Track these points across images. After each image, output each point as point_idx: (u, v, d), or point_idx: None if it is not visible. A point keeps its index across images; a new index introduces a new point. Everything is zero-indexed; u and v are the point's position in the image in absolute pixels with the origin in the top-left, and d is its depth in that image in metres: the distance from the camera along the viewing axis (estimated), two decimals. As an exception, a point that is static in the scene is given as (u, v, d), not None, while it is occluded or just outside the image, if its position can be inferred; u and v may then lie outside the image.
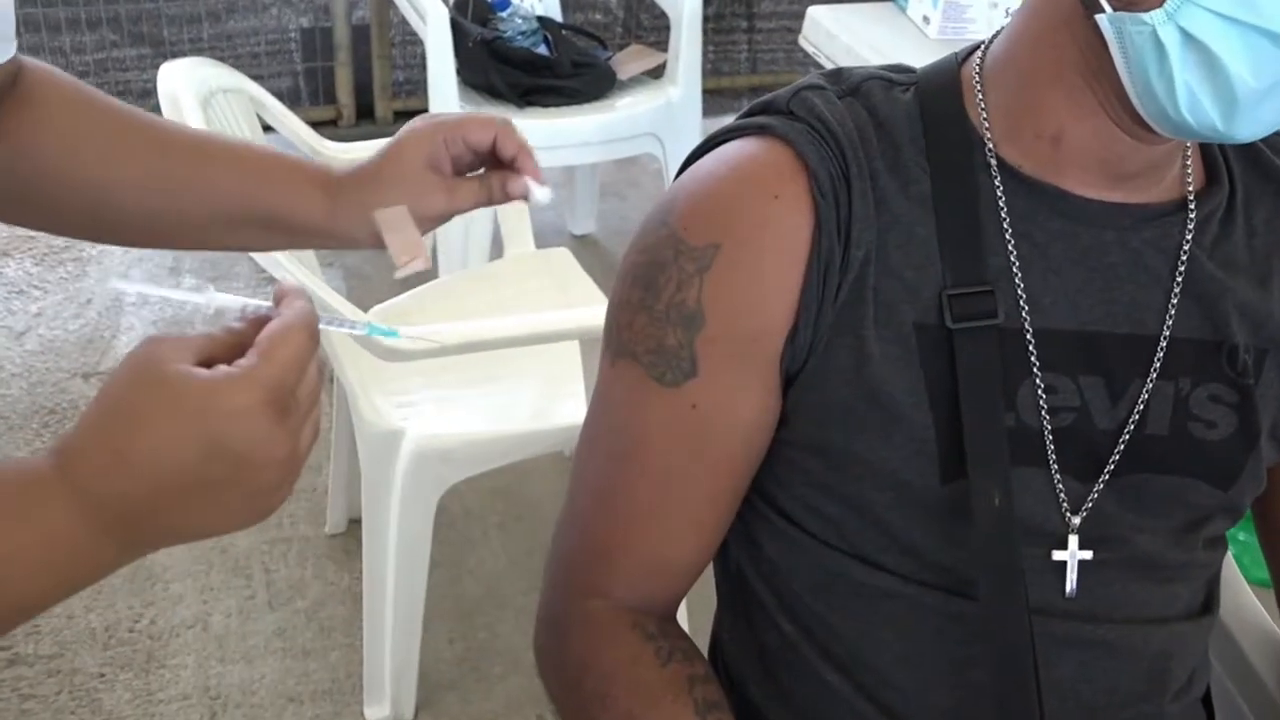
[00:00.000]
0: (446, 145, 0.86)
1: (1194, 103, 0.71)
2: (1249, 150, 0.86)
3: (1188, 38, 0.70)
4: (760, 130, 0.83)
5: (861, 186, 0.80)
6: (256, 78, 3.22)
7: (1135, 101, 0.74)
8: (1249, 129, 0.72)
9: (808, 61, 2.19)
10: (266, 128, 1.78)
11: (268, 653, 1.92)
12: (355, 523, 2.04)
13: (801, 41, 2.24)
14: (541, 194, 0.85)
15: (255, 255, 1.46)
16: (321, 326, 0.63)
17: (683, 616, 1.59)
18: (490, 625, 1.99)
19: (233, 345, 0.59)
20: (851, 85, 0.85)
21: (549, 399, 1.82)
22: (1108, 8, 0.72)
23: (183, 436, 0.55)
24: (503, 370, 1.81)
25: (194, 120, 1.48)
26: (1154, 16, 0.70)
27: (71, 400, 2.42)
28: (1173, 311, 0.82)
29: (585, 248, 3.02)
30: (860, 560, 0.84)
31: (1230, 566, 0.98)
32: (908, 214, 0.80)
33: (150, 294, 0.63)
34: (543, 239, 2.21)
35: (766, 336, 0.80)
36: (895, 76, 0.86)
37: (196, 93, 1.54)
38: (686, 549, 0.86)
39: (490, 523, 2.21)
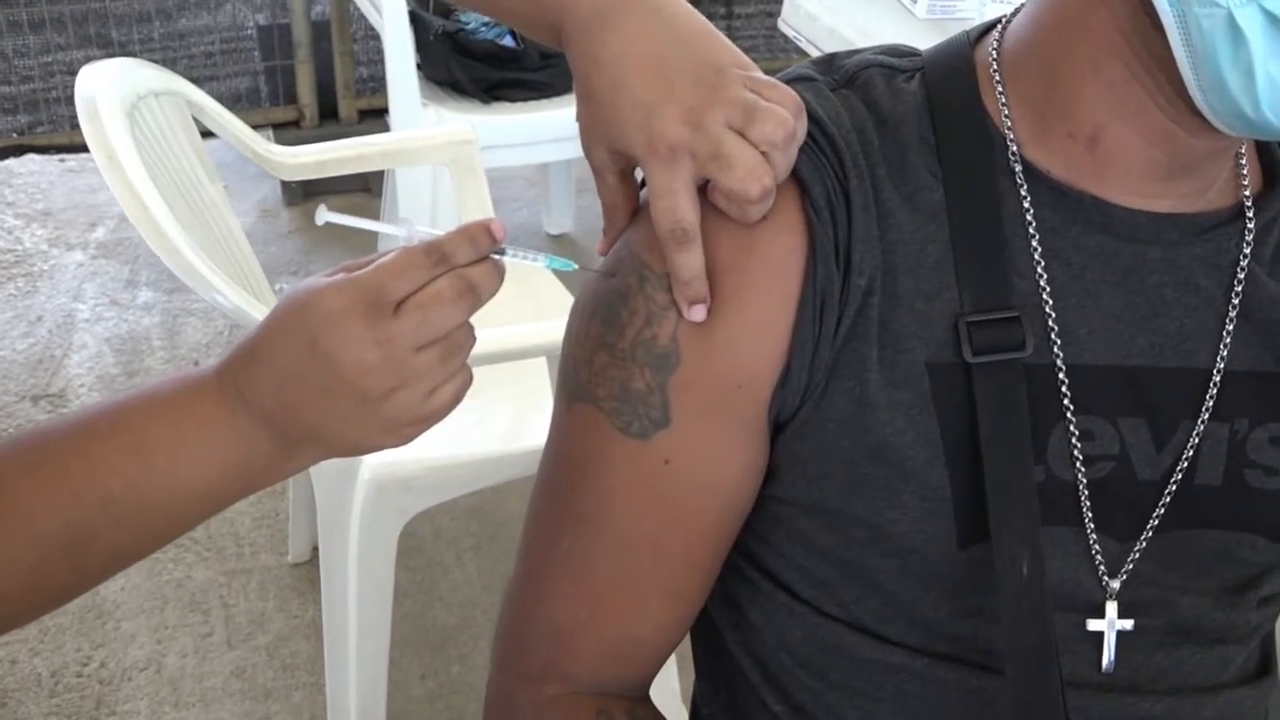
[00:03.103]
0: None
1: (1278, 99, 0.59)
2: None
3: (1273, 22, 0.58)
4: None
5: (863, 200, 0.67)
6: (213, 78, 3.12)
7: (1198, 96, 0.62)
8: None
9: (789, 47, 2.07)
10: (206, 133, 1.65)
11: (226, 695, 1.80)
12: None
13: (781, 25, 2.12)
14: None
15: (200, 290, 1.32)
16: (500, 258, 0.66)
17: (672, 678, 1.48)
18: (464, 657, 1.87)
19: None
20: (847, 75, 0.73)
21: (521, 416, 1.69)
22: None
23: (291, 333, 0.61)
24: (468, 387, 1.68)
25: (118, 130, 1.34)
26: None
27: (19, 425, 2.28)
28: (1228, 340, 0.70)
29: (562, 248, 2.89)
30: (860, 630, 0.73)
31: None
32: (917, 230, 0.68)
33: (359, 226, 0.68)
34: (516, 240, 2.07)
35: (753, 381, 0.68)
36: (897, 62, 0.73)
37: (121, 98, 1.40)
38: (659, 625, 0.74)
39: (463, 545, 2.08)
